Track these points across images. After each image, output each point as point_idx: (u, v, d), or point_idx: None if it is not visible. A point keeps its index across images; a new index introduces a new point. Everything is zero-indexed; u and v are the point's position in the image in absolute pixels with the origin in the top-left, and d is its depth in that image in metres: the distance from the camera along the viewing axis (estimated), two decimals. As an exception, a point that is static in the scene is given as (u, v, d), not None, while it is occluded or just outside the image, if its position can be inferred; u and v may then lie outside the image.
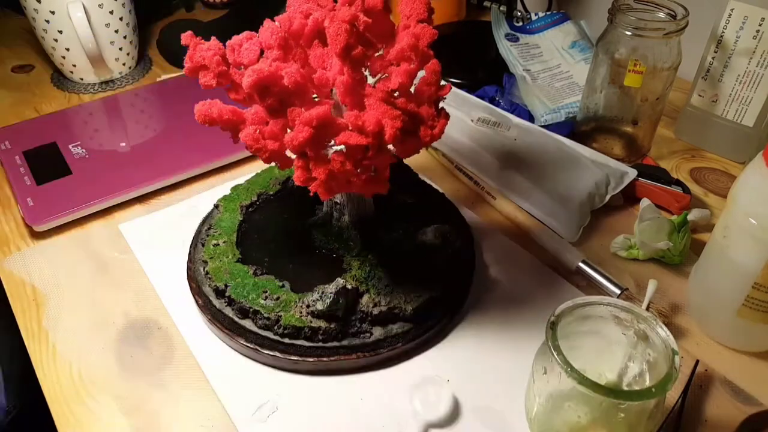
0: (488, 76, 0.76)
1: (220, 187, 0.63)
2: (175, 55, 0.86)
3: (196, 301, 0.49)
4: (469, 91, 0.73)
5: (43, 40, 0.78)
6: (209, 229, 0.53)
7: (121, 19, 0.78)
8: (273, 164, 0.43)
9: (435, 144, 0.66)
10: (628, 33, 0.58)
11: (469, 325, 0.49)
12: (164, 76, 0.83)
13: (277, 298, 0.46)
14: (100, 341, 0.48)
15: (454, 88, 0.72)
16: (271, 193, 0.56)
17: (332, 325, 0.45)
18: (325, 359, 0.45)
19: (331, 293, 0.44)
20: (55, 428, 0.43)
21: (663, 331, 0.36)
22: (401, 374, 0.46)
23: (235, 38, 0.42)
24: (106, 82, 0.82)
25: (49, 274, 0.53)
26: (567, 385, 0.35)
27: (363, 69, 0.40)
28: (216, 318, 0.47)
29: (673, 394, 0.44)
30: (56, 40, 0.76)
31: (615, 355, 0.40)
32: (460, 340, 0.48)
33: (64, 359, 0.47)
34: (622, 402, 0.34)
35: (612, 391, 0.34)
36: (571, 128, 0.69)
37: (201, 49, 0.41)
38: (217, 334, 0.48)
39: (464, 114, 0.67)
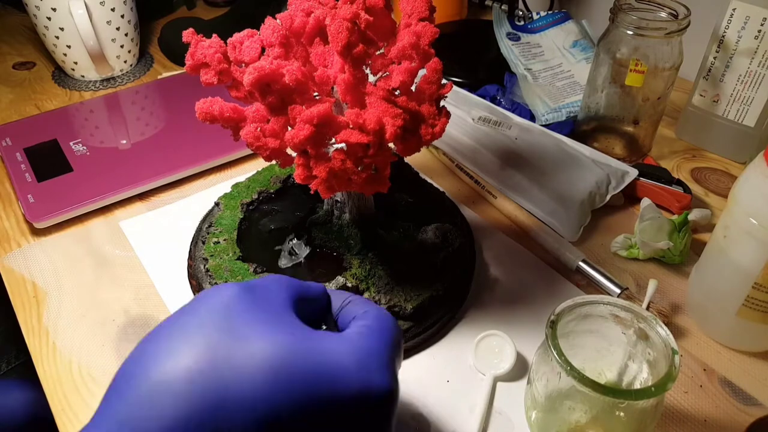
0: (489, 75, 0.76)
1: (220, 185, 0.63)
2: (176, 53, 0.86)
3: (197, 299, 0.49)
4: (471, 90, 0.73)
5: (45, 37, 0.78)
6: (210, 226, 0.53)
7: (122, 16, 0.78)
8: (274, 162, 0.43)
9: (436, 143, 0.66)
10: (630, 32, 0.58)
11: (469, 324, 0.49)
12: (165, 74, 0.83)
13: (277, 296, 0.46)
14: (100, 338, 0.48)
15: (455, 87, 0.72)
16: (272, 191, 0.56)
17: (332, 323, 0.45)
18: (324, 357, 0.45)
19: (331, 291, 0.44)
20: (55, 425, 0.43)
21: (663, 331, 0.36)
22: (400, 372, 0.46)
23: (237, 36, 0.42)
24: (107, 80, 0.82)
25: (49, 271, 0.54)
26: (567, 384, 0.35)
27: (364, 67, 0.40)
28: (216, 315, 0.47)
29: (670, 394, 0.44)
30: (57, 38, 0.76)
31: (615, 354, 0.40)
32: (460, 339, 0.48)
33: (64, 356, 0.47)
34: (622, 401, 0.34)
35: (611, 390, 0.34)
36: (572, 127, 0.69)
37: (202, 47, 0.41)
38: (217, 332, 0.48)
39: (465, 113, 0.67)
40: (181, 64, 0.70)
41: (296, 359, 0.26)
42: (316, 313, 0.33)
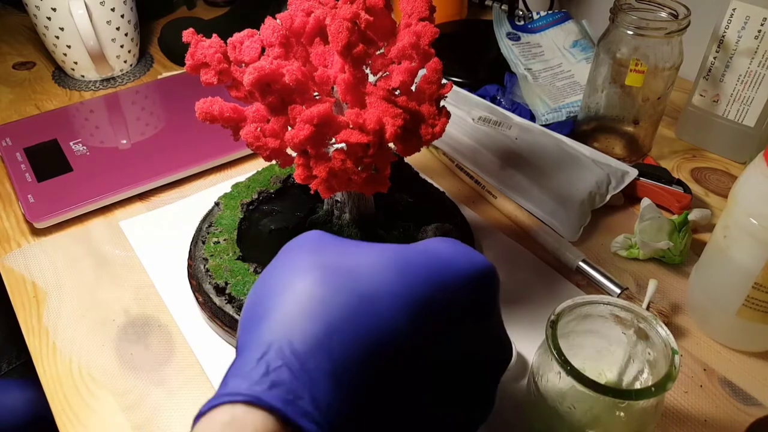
0: (489, 75, 0.76)
1: (220, 185, 0.63)
2: (176, 53, 0.86)
3: (197, 299, 0.49)
4: (471, 90, 0.73)
5: (45, 37, 0.78)
6: (210, 226, 0.53)
7: (122, 16, 0.78)
8: (274, 162, 0.43)
9: (436, 143, 0.65)
10: (630, 32, 0.58)
11: (469, 324, 0.49)
12: (165, 74, 0.83)
13: (278, 296, 0.46)
14: (100, 338, 0.48)
15: (455, 87, 0.72)
16: (272, 190, 0.56)
17: (332, 323, 0.44)
18: (324, 357, 0.45)
19: (331, 291, 0.44)
20: (55, 425, 0.43)
21: (663, 331, 0.36)
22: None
23: (237, 36, 0.42)
24: (108, 80, 0.82)
25: (49, 271, 0.54)
26: (567, 384, 0.35)
27: (364, 67, 0.40)
28: (216, 315, 0.47)
29: (670, 394, 0.44)
30: (57, 38, 0.76)
31: (615, 354, 0.40)
32: (460, 339, 0.48)
33: (64, 356, 0.47)
34: (622, 401, 0.34)
35: (611, 390, 0.34)
36: (572, 127, 0.69)
37: (202, 47, 0.41)
38: (217, 332, 0.48)
39: (465, 113, 0.67)
40: (181, 64, 0.70)
41: (409, 256, 0.28)
42: None
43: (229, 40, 0.42)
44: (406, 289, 0.27)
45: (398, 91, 0.41)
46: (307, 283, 0.27)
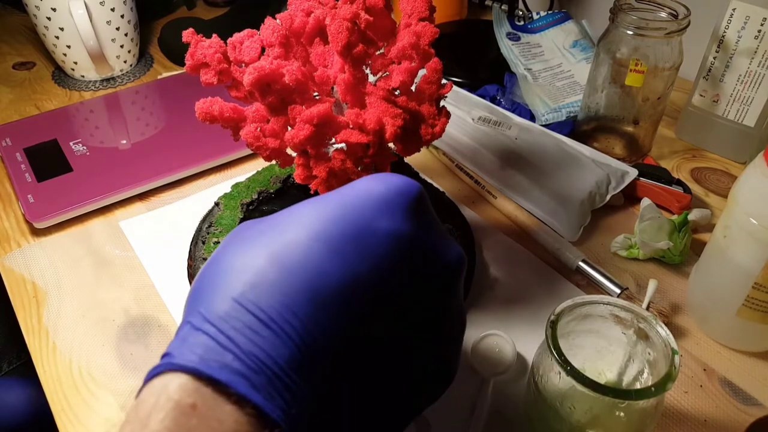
0: (489, 75, 0.76)
1: (220, 185, 0.63)
2: (176, 53, 0.86)
3: (197, 299, 0.49)
4: (471, 90, 0.73)
5: (45, 38, 0.78)
6: (210, 226, 0.53)
7: (122, 16, 0.78)
8: (274, 162, 0.43)
9: (436, 143, 0.65)
10: (630, 32, 0.58)
11: (469, 324, 0.49)
12: (165, 74, 0.83)
13: (277, 296, 0.46)
14: (100, 338, 0.48)
15: (455, 87, 0.72)
16: (272, 191, 0.56)
17: (332, 323, 0.44)
18: (324, 357, 0.45)
19: (331, 291, 0.44)
20: (55, 425, 0.43)
21: (663, 331, 0.36)
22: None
23: (236, 36, 0.42)
24: (107, 80, 0.82)
25: (49, 271, 0.54)
26: (567, 384, 0.35)
27: (364, 67, 0.40)
28: (216, 315, 0.47)
29: (670, 394, 0.44)
30: (57, 38, 0.76)
31: (615, 354, 0.40)
32: (459, 339, 0.48)
33: (64, 356, 0.47)
34: (622, 401, 0.34)
35: (611, 390, 0.34)
36: (572, 127, 0.69)
37: (202, 47, 0.41)
38: (217, 332, 0.48)
39: (465, 113, 0.67)
40: (181, 64, 0.70)
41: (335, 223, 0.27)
42: None
43: (229, 40, 0.42)
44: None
45: (398, 91, 0.41)
46: (218, 254, 0.28)
